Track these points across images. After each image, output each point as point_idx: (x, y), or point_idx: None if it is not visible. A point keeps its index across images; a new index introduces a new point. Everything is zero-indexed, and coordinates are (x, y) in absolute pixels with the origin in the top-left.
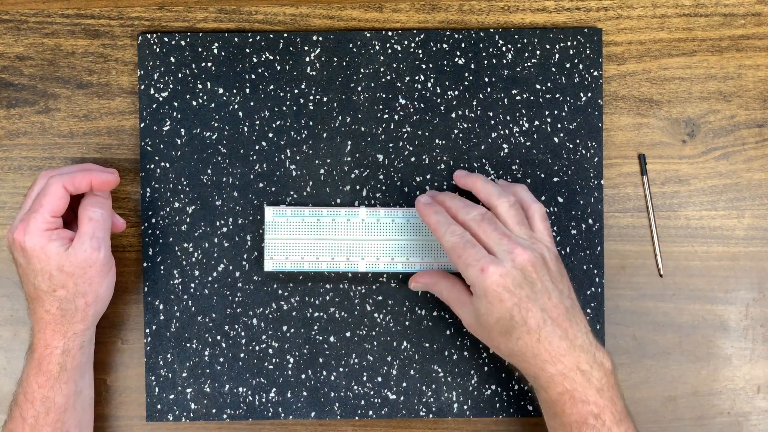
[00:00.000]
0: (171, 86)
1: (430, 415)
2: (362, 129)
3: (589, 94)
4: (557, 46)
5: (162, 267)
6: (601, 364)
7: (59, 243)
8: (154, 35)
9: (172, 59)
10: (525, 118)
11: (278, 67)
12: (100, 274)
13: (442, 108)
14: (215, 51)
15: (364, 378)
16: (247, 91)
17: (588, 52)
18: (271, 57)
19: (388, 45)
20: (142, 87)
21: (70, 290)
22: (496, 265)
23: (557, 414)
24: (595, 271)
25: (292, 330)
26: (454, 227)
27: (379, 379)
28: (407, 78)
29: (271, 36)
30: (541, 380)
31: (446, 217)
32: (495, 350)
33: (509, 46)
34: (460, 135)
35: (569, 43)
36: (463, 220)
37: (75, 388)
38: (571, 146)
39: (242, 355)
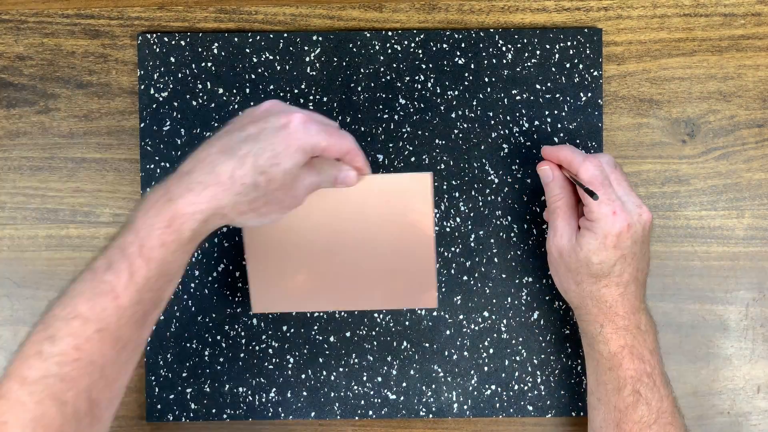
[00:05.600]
0: (171, 86)
1: (430, 415)
2: (362, 129)
3: (589, 94)
4: (557, 46)
5: None
6: (653, 327)
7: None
8: (154, 35)
9: (172, 59)
10: (525, 118)
11: (278, 67)
12: (282, 188)
13: (442, 108)
14: (215, 51)
15: (364, 378)
16: (247, 91)
17: (588, 52)
18: (271, 57)
19: (388, 45)
20: (142, 87)
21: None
22: (627, 213)
23: (613, 367)
24: None
25: (292, 330)
26: (593, 158)
27: (379, 379)
28: (407, 78)
29: (271, 36)
30: (606, 331)
31: (580, 151)
32: (566, 287)
33: (509, 46)
34: (460, 135)
35: (569, 43)
36: (594, 161)
37: (179, 274)
38: None
39: (242, 355)
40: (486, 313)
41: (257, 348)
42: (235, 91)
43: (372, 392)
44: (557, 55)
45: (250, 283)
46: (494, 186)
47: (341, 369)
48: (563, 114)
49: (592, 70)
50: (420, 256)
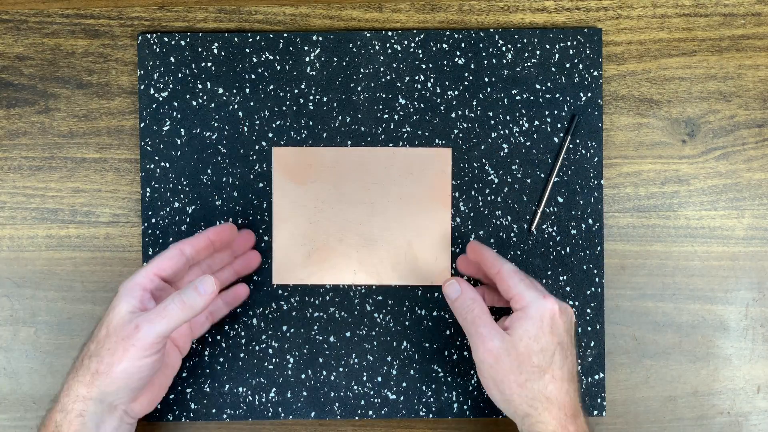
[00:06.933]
0: (171, 86)
1: (430, 415)
2: (362, 129)
3: (589, 94)
4: (557, 46)
5: None
6: None
7: (136, 303)
8: (154, 35)
9: (172, 59)
10: (525, 118)
11: (278, 67)
12: (122, 346)
13: (442, 108)
14: (215, 51)
15: (364, 378)
16: (247, 91)
17: (588, 52)
18: (271, 57)
19: (388, 45)
20: (142, 87)
21: (97, 346)
22: (554, 299)
23: None
24: (595, 271)
25: (292, 330)
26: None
27: (379, 379)
28: (407, 78)
29: (271, 36)
30: None
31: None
32: (509, 396)
33: (509, 46)
34: (460, 135)
35: (569, 43)
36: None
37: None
38: (571, 146)
39: (242, 355)
40: None
41: (257, 348)
42: (235, 91)
43: (372, 392)
44: (557, 55)
45: (274, 253)
46: (494, 186)
47: (341, 369)
48: (563, 114)
49: (592, 70)
50: (436, 231)
